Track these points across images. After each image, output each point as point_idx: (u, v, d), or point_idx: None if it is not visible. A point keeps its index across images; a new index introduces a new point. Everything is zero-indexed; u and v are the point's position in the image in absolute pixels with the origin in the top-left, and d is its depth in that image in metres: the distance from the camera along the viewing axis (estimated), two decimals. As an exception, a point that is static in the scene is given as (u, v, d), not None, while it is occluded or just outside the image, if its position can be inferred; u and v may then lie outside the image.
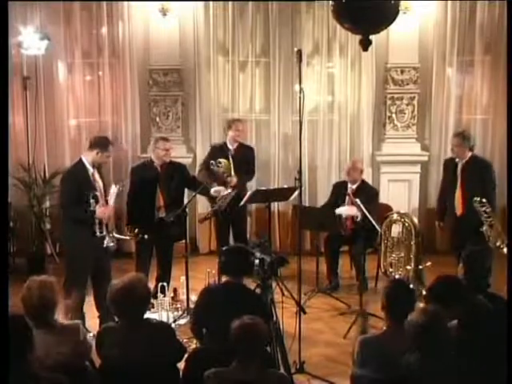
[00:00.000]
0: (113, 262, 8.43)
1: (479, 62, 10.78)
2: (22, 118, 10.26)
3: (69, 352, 5.29)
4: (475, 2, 10.50)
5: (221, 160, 9.27)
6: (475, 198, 8.28)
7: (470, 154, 8.84)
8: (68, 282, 7.81)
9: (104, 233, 7.86)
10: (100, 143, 7.91)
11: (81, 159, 7.93)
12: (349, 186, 9.55)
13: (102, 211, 7.78)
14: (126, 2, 10.36)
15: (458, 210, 8.89)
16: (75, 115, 10.73)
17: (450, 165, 9.12)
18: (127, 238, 8.82)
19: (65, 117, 10.59)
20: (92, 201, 7.74)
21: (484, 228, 8.28)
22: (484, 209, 8.25)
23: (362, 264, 8.81)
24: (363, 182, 9.69)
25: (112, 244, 7.90)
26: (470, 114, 10.90)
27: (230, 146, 9.66)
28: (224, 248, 6.45)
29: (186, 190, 9.12)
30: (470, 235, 8.37)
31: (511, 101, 8.49)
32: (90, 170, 7.86)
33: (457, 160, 8.91)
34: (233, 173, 9.30)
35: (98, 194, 7.82)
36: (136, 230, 8.47)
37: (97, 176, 7.95)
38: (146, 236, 8.45)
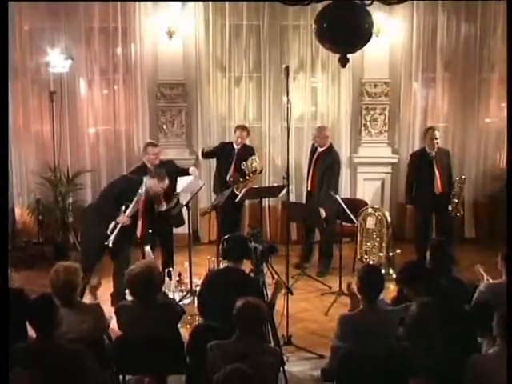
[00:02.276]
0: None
1: (440, 78, 10.77)
2: (49, 126, 10.24)
3: (89, 327, 5.33)
4: (436, 26, 10.54)
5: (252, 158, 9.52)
6: (458, 178, 9.61)
7: None
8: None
9: (112, 234, 7.85)
10: (159, 174, 8.08)
11: (143, 179, 8.07)
12: (318, 149, 9.53)
13: (122, 219, 7.86)
14: (138, 27, 10.34)
15: (438, 189, 9.45)
16: (94, 124, 10.71)
17: (423, 155, 9.62)
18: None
19: (85, 125, 10.57)
20: (123, 208, 7.86)
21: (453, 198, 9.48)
22: (460, 185, 9.53)
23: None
24: (331, 146, 9.61)
25: (111, 244, 7.87)
26: (433, 123, 10.84)
27: (236, 146, 9.80)
28: (225, 236, 6.43)
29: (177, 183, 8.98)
30: (445, 208, 9.45)
31: (511, 103, 8.51)
32: (142, 190, 8.00)
33: (428, 151, 9.49)
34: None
35: (130, 206, 7.89)
36: None
37: (142, 196, 8.04)
38: (150, 230, 8.50)
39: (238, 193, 9.16)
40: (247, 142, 9.99)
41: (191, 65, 10.64)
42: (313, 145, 9.69)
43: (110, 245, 7.85)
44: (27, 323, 4.82)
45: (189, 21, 10.43)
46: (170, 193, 8.69)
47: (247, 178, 9.40)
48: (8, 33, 6.98)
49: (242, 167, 9.42)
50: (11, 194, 10.36)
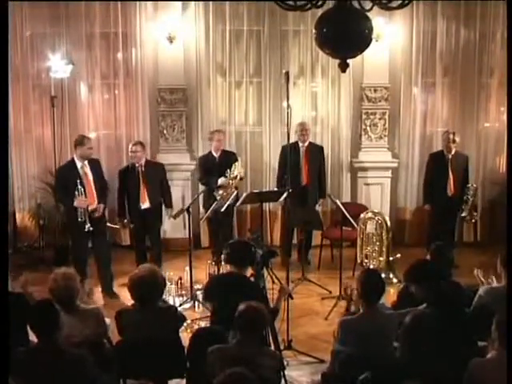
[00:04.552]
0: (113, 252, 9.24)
1: (439, 83, 10.81)
2: (50, 131, 10.23)
3: (90, 332, 5.34)
4: (435, 32, 10.57)
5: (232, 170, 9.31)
6: (469, 185, 9.77)
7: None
8: (72, 261, 8.60)
9: (84, 219, 8.35)
10: (78, 141, 8.59)
11: (72, 157, 8.64)
12: (300, 145, 9.78)
13: (79, 202, 8.34)
14: (138, 32, 10.37)
15: (451, 191, 9.70)
16: (95, 128, 10.71)
17: (439, 157, 9.85)
18: (117, 226, 9.58)
19: (86, 130, 10.55)
20: (76, 193, 8.32)
21: (466, 204, 9.69)
22: (472, 192, 9.71)
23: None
24: (309, 141, 9.97)
25: (91, 229, 8.39)
26: (432, 127, 10.94)
27: (215, 154, 9.71)
28: (230, 241, 6.42)
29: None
30: (457, 210, 9.77)
31: (511, 108, 8.55)
32: (79, 164, 8.50)
33: (445, 153, 9.72)
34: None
35: (81, 186, 8.34)
36: (125, 221, 9.09)
37: (87, 169, 8.58)
38: (131, 225, 9.12)
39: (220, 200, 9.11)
40: (227, 146, 10.00)
41: (192, 70, 10.65)
42: (293, 143, 9.52)
43: (90, 229, 8.39)
44: (28, 327, 4.83)
45: (189, 26, 10.46)
46: (157, 194, 9.13)
47: (228, 183, 9.20)
48: (8, 35, 7.00)
49: (226, 175, 9.24)
50: (12, 199, 10.38)
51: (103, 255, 8.81)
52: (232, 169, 9.21)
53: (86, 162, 8.58)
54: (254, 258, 6.14)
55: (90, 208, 8.43)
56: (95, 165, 8.82)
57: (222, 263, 6.48)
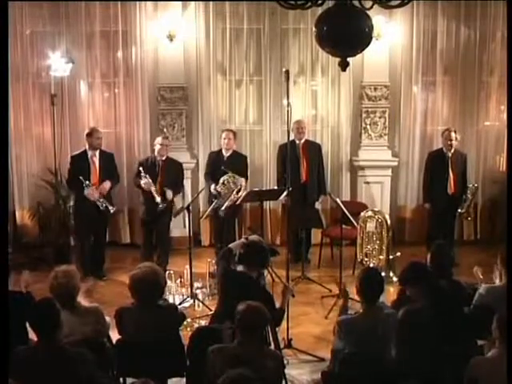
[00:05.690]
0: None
1: (440, 81, 10.81)
2: (50, 129, 10.23)
3: (90, 330, 5.33)
4: (436, 30, 10.57)
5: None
6: (470, 185, 9.78)
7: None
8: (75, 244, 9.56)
9: (105, 205, 9.03)
10: (88, 132, 9.31)
11: (85, 148, 9.27)
12: (297, 142, 9.78)
13: (89, 193, 8.98)
14: (138, 30, 10.35)
15: (451, 190, 9.65)
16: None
17: (439, 156, 9.81)
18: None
19: (86, 128, 10.50)
20: (87, 182, 8.98)
21: (465, 202, 9.70)
22: (472, 191, 9.73)
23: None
24: (306, 139, 10.00)
25: (111, 208, 9.10)
26: (432, 126, 10.94)
27: (225, 153, 9.66)
28: (246, 241, 6.40)
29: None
30: (455, 209, 9.70)
31: (511, 107, 8.53)
32: (89, 153, 9.20)
33: (445, 151, 9.67)
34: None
35: (88, 175, 9.02)
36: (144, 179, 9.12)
37: (96, 159, 9.24)
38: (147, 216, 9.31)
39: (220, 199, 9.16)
40: (235, 146, 9.87)
41: (192, 68, 10.64)
42: (290, 142, 9.45)
43: (114, 210, 9.16)
44: (28, 326, 4.82)
45: (189, 24, 10.45)
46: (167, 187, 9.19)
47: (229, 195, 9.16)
48: (8, 34, 6.97)
49: (224, 181, 9.20)
50: (12, 197, 10.37)
51: (100, 247, 9.51)
52: (228, 178, 9.20)
53: (96, 153, 9.24)
54: (267, 261, 6.16)
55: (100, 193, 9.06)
56: (107, 158, 9.44)
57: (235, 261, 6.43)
